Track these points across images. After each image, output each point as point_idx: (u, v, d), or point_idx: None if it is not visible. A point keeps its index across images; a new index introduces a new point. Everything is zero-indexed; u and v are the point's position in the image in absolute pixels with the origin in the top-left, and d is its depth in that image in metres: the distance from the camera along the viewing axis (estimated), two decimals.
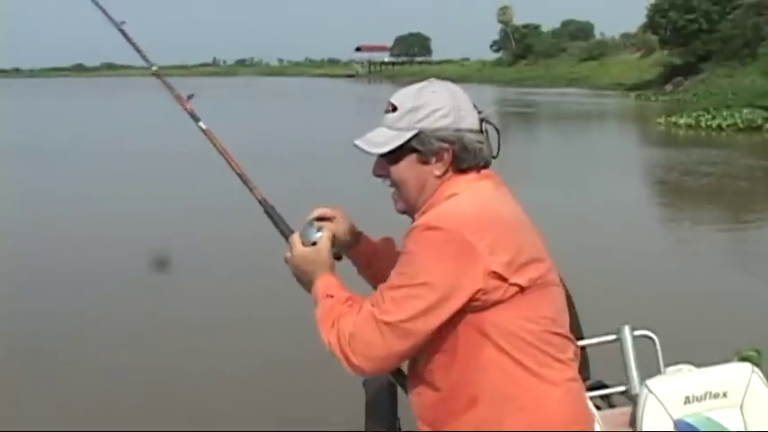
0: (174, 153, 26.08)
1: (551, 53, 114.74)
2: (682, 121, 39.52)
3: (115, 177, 23.19)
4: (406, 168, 2.82)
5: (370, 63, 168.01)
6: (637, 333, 3.62)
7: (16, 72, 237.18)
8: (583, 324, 3.87)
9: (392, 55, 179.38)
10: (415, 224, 2.69)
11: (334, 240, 3.01)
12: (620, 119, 48.86)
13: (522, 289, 2.63)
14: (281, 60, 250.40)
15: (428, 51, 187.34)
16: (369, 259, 3.23)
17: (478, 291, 2.59)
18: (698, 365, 3.56)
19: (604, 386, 3.64)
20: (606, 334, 3.65)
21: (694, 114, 40.15)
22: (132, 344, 9.10)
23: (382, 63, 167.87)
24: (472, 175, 2.79)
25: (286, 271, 2.95)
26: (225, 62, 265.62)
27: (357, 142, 2.87)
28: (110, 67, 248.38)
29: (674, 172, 23.53)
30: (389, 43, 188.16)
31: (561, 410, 2.70)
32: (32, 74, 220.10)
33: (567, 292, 3.88)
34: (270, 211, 3.17)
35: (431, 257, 2.60)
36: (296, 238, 2.99)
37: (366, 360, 2.65)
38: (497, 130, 2.88)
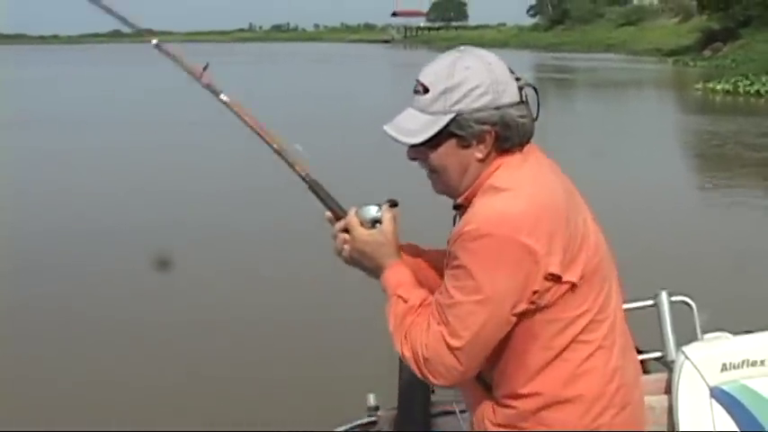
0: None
1: (588, 18, 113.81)
2: (719, 87, 39.19)
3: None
4: (446, 155, 2.62)
5: (406, 28, 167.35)
6: (674, 299, 3.58)
7: (55, 38, 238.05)
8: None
9: (428, 20, 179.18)
10: (463, 230, 2.51)
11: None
12: (658, 84, 48.48)
13: (573, 285, 2.54)
14: (317, 26, 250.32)
15: (464, 16, 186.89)
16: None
17: (534, 293, 2.50)
18: (735, 333, 3.53)
19: (640, 352, 3.60)
20: (643, 299, 3.61)
21: (732, 80, 39.77)
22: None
23: (418, 28, 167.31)
24: (517, 157, 2.62)
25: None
26: (261, 27, 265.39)
27: (387, 129, 2.65)
28: (148, 33, 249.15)
29: (709, 138, 23.32)
30: (425, 8, 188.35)
31: (604, 403, 2.64)
32: (70, 40, 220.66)
33: None
34: (315, 188, 2.88)
35: (490, 269, 2.47)
36: (354, 219, 2.76)
37: (445, 380, 2.58)
38: (536, 91, 2.69)
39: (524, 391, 2.62)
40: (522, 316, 2.54)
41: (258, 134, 2.96)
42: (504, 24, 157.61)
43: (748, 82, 38.72)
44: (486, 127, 2.57)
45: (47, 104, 36.71)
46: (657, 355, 3.58)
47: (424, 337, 2.57)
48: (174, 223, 13.53)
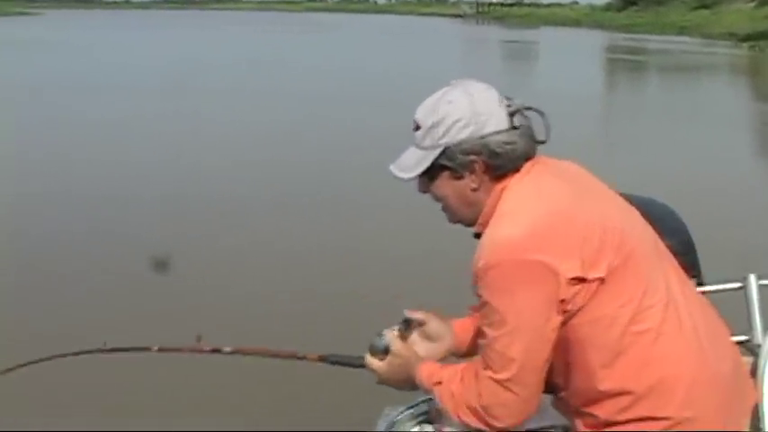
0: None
1: (662, 0, 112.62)
2: None
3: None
4: (442, 186, 2.82)
5: (478, 4, 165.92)
6: (763, 282, 3.51)
7: (127, 4, 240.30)
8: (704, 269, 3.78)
9: None
10: (476, 268, 2.64)
11: (405, 334, 3.04)
12: (732, 70, 47.77)
13: (602, 280, 2.56)
14: None
15: None
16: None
17: (562, 302, 2.55)
18: None
19: None
20: (730, 281, 3.55)
21: None
22: None
23: (490, 4, 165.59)
24: (516, 176, 2.72)
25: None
26: None
27: (391, 167, 2.88)
28: (218, 0, 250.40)
29: None
30: None
31: (688, 382, 2.62)
32: (143, 5, 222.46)
33: (686, 234, 3.79)
34: (334, 361, 3.23)
35: (507, 297, 2.58)
36: (369, 359, 3.02)
37: (511, 418, 2.66)
38: (541, 114, 2.79)
39: (601, 396, 2.64)
40: (564, 326, 2.60)
41: (272, 355, 3.41)
42: (576, 3, 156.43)
43: None
44: (472, 157, 2.73)
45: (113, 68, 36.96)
46: (743, 338, 3.52)
47: (474, 389, 2.68)
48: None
